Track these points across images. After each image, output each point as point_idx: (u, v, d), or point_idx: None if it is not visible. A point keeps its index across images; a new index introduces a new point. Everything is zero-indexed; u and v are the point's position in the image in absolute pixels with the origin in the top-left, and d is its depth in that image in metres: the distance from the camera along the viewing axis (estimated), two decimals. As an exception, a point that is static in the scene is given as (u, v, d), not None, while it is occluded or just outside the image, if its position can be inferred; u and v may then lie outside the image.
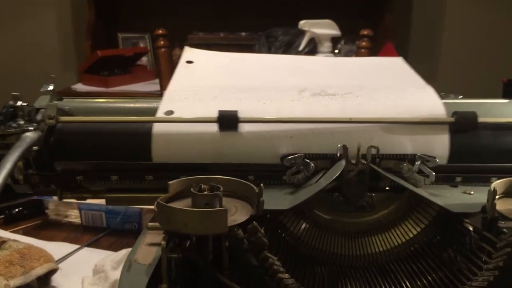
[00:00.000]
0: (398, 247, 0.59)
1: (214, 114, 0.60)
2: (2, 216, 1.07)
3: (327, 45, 1.80)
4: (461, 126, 0.60)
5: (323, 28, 1.79)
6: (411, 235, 0.59)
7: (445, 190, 0.59)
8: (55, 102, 0.62)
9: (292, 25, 1.97)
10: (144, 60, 2.49)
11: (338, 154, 0.59)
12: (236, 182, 0.53)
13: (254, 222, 0.50)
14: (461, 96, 0.68)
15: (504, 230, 0.50)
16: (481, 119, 0.60)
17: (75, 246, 0.96)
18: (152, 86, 2.22)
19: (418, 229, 0.59)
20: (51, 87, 0.62)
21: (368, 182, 0.59)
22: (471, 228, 0.54)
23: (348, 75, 0.73)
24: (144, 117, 0.62)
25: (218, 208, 0.49)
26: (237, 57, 0.79)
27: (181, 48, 0.81)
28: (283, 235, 0.59)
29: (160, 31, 1.72)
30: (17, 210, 1.08)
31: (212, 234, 0.49)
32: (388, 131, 0.60)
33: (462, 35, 2.44)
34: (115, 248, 0.95)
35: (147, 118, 0.61)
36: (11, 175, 0.54)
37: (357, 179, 0.58)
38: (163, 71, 1.75)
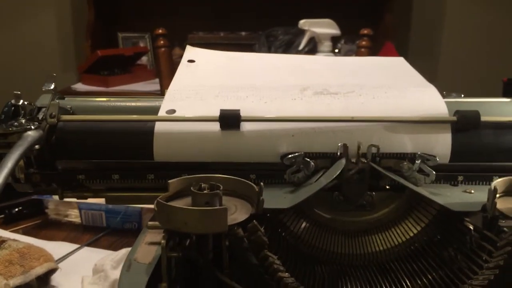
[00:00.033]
0: (399, 246, 0.59)
1: (216, 113, 0.60)
2: (2, 215, 1.07)
3: (327, 45, 1.81)
4: (463, 125, 0.60)
5: (323, 28, 1.79)
6: (412, 234, 0.59)
7: (446, 189, 0.59)
8: (56, 101, 0.62)
9: (292, 25, 1.97)
10: (144, 59, 2.49)
11: (339, 153, 0.59)
12: (236, 181, 0.53)
13: (254, 221, 0.50)
14: (463, 95, 0.68)
15: (505, 229, 0.50)
16: (483, 118, 0.60)
17: (75, 246, 0.96)
18: (152, 85, 2.22)
19: (419, 228, 0.59)
20: (52, 86, 0.62)
21: (368, 181, 0.59)
22: (471, 227, 0.54)
23: (349, 74, 0.73)
24: (146, 116, 0.62)
25: (218, 207, 0.49)
26: (239, 57, 0.79)
27: (181, 48, 0.81)
28: (283, 234, 0.59)
29: (160, 31, 1.72)
30: (17, 209, 1.08)
31: (212, 233, 0.49)
32: (390, 130, 0.60)
33: (462, 35, 2.45)
34: (115, 247, 0.95)
35: (149, 117, 0.61)
36: (12, 174, 0.54)
37: (357, 178, 0.59)
38: (163, 71, 1.75)
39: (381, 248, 0.60)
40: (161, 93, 1.51)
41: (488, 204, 0.51)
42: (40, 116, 0.62)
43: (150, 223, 0.52)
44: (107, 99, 0.67)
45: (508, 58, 2.36)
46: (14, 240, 0.85)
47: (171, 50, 1.79)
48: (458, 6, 2.44)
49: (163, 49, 1.73)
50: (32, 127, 0.60)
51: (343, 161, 0.58)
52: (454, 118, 0.60)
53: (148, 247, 0.53)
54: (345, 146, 0.58)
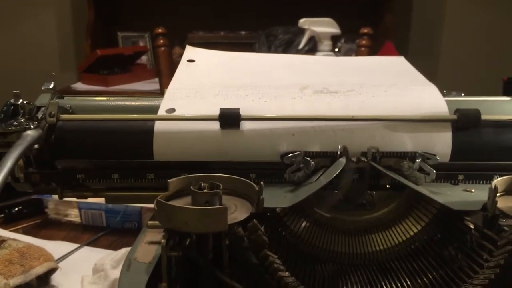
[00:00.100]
0: (399, 245, 0.59)
1: (216, 112, 0.59)
2: (2, 215, 1.07)
3: (327, 44, 1.81)
4: (464, 123, 0.60)
5: (323, 27, 1.79)
6: (412, 233, 0.59)
7: (446, 188, 0.59)
8: (56, 100, 0.62)
9: (292, 24, 1.97)
10: (143, 59, 2.49)
11: (339, 152, 0.59)
12: (236, 180, 0.53)
13: (254, 220, 0.50)
14: (463, 94, 0.67)
15: (505, 228, 0.50)
16: (483, 117, 0.60)
17: (75, 245, 0.96)
18: (152, 85, 2.22)
19: (419, 227, 0.59)
20: (52, 85, 0.62)
21: (368, 180, 0.59)
22: (472, 226, 0.54)
23: (349, 73, 0.73)
24: (145, 115, 0.61)
25: (218, 206, 0.49)
26: (238, 56, 0.79)
27: (181, 47, 0.81)
28: (283, 233, 0.59)
29: (160, 30, 1.72)
30: (16, 209, 1.08)
31: (212, 232, 0.49)
32: (391, 128, 0.60)
33: (462, 35, 2.45)
34: (115, 247, 0.95)
35: (148, 116, 0.61)
36: (11, 173, 0.54)
37: (358, 177, 0.58)
38: (163, 70, 1.75)
39: (381, 247, 0.60)
40: (161, 92, 1.51)
41: (489, 203, 0.51)
42: (40, 115, 0.62)
43: (150, 222, 0.52)
44: (107, 98, 0.67)
45: (508, 58, 2.36)
46: (14, 239, 0.85)
47: (171, 49, 1.79)
48: (458, 6, 2.44)
49: (162, 48, 1.73)
50: (32, 126, 0.60)
51: (343, 160, 0.58)
52: (455, 117, 0.60)
53: (148, 247, 0.53)
54: (345, 148, 0.58)
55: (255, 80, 0.69)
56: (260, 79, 0.69)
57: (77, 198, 0.65)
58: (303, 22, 1.83)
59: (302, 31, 1.89)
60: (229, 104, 0.61)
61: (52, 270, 0.82)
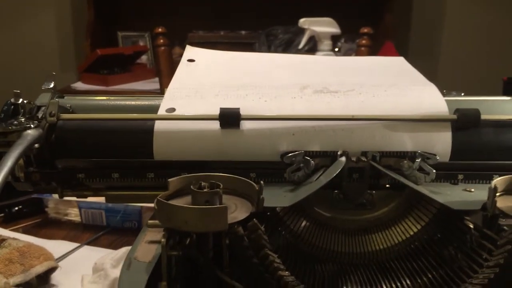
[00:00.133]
0: (399, 244, 0.59)
1: (216, 112, 0.59)
2: (2, 214, 1.07)
3: (327, 43, 1.81)
4: (464, 123, 0.60)
5: (323, 26, 1.79)
6: (412, 233, 0.59)
7: (446, 187, 0.59)
8: (56, 99, 0.62)
9: (292, 24, 1.97)
10: (143, 58, 2.49)
11: (339, 152, 0.59)
12: (236, 179, 0.53)
13: (254, 219, 0.50)
14: (463, 94, 0.68)
15: (505, 227, 0.50)
16: (483, 116, 0.60)
17: (75, 245, 0.96)
18: (152, 84, 2.22)
19: (419, 227, 0.59)
20: (52, 85, 0.62)
21: (368, 180, 0.59)
22: (471, 226, 0.54)
23: (349, 73, 0.73)
24: (145, 115, 0.61)
25: (218, 206, 0.49)
26: (238, 56, 0.79)
27: (181, 47, 0.81)
28: (283, 232, 0.59)
29: (160, 30, 1.72)
30: (17, 208, 1.08)
31: (212, 231, 0.49)
32: (391, 128, 0.60)
33: (461, 35, 2.45)
34: (115, 246, 0.95)
35: (148, 116, 0.61)
36: (11, 173, 0.54)
37: (358, 176, 0.59)
38: (163, 70, 1.75)
39: (381, 246, 0.60)
40: (161, 92, 1.51)
41: (488, 202, 0.51)
42: (40, 115, 0.62)
43: (150, 221, 0.52)
44: (107, 97, 0.67)
45: (508, 58, 2.36)
46: (14, 238, 0.85)
47: (171, 49, 1.79)
48: (458, 6, 2.44)
49: (163, 48, 1.73)
50: (32, 126, 0.60)
51: (343, 159, 0.58)
52: (454, 117, 0.60)
53: (148, 246, 0.53)
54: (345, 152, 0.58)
55: (255, 80, 0.69)
56: (260, 79, 0.69)
57: (77, 198, 0.65)
58: (303, 21, 1.83)
59: (302, 31, 1.89)
60: (229, 104, 0.61)
61: (52, 269, 0.82)
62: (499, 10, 2.41)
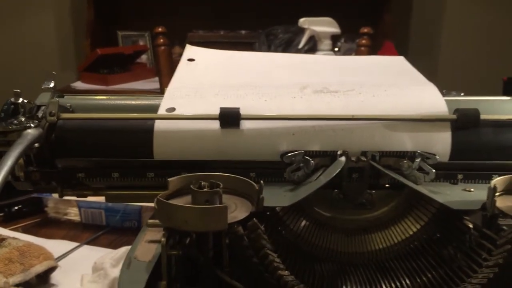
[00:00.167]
0: (398, 244, 0.59)
1: (216, 111, 0.59)
2: (2, 214, 1.07)
3: (327, 43, 1.81)
4: (463, 123, 0.60)
5: (323, 26, 1.79)
6: (411, 233, 0.59)
7: (445, 187, 0.59)
8: (56, 99, 0.62)
9: (292, 24, 1.97)
10: (143, 58, 2.49)
11: (339, 152, 0.59)
12: (236, 179, 0.53)
13: (254, 219, 0.50)
14: (463, 94, 0.68)
15: (504, 227, 0.50)
16: (482, 116, 0.60)
17: (75, 244, 0.96)
18: (152, 84, 2.22)
19: (418, 227, 0.59)
20: (52, 84, 0.62)
21: (368, 179, 0.59)
22: (471, 225, 0.54)
23: (349, 73, 0.73)
24: (145, 114, 0.61)
25: (218, 205, 0.49)
26: (238, 55, 0.79)
27: (181, 46, 0.81)
28: (283, 232, 0.59)
29: (160, 29, 1.71)
30: (16, 208, 1.07)
31: (212, 231, 0.49)
32: (391, 128, 0.60)
33: (461, 34, 2.45)
34: (114, 246, 0.95)
35: (148, 115, 0.61)
36: (11, 172, 0.54)
37: (357, 176, 0.59)
38: (163, 69, 1.75)
39: (381, 246, 0.60)
40: (161, 92, 1.51)
41: (488, 202, 0.51)
42: (40, 114, 0.62)
43: (150, 221, 0.52)
44: (107, 97, 0.67)
45: (508, 58, 2.36)
46: (14, 238, 0.85)
47: (171, 48, 1.79)
48: (457, 6, 2.44)
49: (162, 47, 1.73)
50: (32, 125, 0.60)
51: (343, 159, 0.58)
52: (454, 116, 0.60)
53: (148, 245, 0.53)
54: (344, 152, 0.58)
55: (255, 80, 0.69)
56: (260, 79, 0.69)
57: (77, 197, 0.65)
58: (303, 21, 1.83)
59: (302, 31, 1.89)
60: (229, 103, 0.61)
61: (52, 269, 0.82)
62: (499, 10, 2.41)
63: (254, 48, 2.05)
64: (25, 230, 1.02)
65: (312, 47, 1.89)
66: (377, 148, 0.59)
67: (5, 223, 1.05)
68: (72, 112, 0.64)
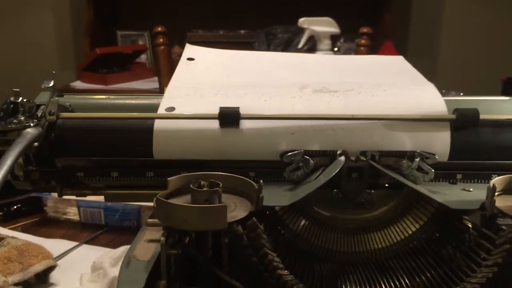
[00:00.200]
0: (397, 244, 0.59)
1: (215, 111, 0.60)
2: (1, 213, 1.07)
3: (326, 43, 1.81)
4: (462, 123, 0.60)
5: (322, 26, 1.80)
6: (410, 232, 0.59)
7: (444, 187, 0.59)
8: (55, 98, 0.62)
9: (291, 24, 1.97)
10: (143, 57, 2.49)
11: (338, 151, 0.59)
12: (235, 178, 0.53)
13: (253, 218, 0.50)
14: (462, 94, 0.68)
15: (503, 227, 0.50)
16: (482, 116, 0.60)
17: (74, 243, 0.96)
18: (151, 83, 2.22)
19: (417, 226, 0.59)
20: (51, 83, 0.62)
21: (367, 179, 0.59)
22: (470, 225, 0.54)
23: (349, 73, 0.73)
24: (145, 114, 0.61)
25: (218, 204, 0.49)
26: (238, 55, 0.79)
27: (180, 46, 0.81)
28: (283, 231, 0.59)
29: (159, 29, 1.71)
30: (15, 207, 1.08)
31: (211, 230, 0.49)
32: (390, 128, 0.60)
33: (461, 34, 2.45)
34: (113, 245, 0.95)
35: (148, 115, 0.61)
36: (11, 171, 0.54)
37: (357, 176, 0.59)
38: (162, 69, 1.75)
39: (380, 246, 0.60)
40: (160, 91, 1.50)
41: (487, 202, 0.51)
42: (39, 113, 0.62)
43: (149, 220, 0.52)
44: (106, 96, 0.67)
45: (507, 58, 2.36)
46: (13, 237, 0.85)
47: (170, 48, 1.79)
48: (457, 6, 2.44)
49: (162, 47, 1.73)
50: (31, 124, 0.60)
51: (342, 159, 0.58)
52: (453, 116, 0.60)
53: (148, 245, 0.53)
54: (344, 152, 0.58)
55: (254, 79, 0.69)
56: (260, 78, 0.69)
57: (77, 196, 0.65)
58: (302, 21, 1.84)
59: (301, 30, 1.89)
60: (229, 103, 0.61)
61: (51, 268, 0.82)
62: (498, 10, 2.41)
63: (254, 47, 2.05)
64: (24, 229, 1.03)
65: (311, 47, 1.89)
66: (376, 148, 0.59)
67: (4, 222, 1.05)
68: (72, 111, 0.64)
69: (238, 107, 0.60)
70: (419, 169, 0.58)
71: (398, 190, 0.61)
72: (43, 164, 0.61)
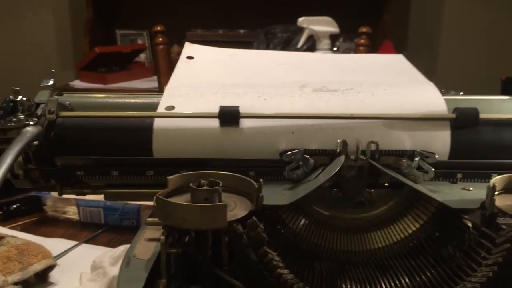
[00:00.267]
0: (397, 243, 0.59)
1: (215, 110, 0.60)
2: (0, 212, 1.07)
3: (325, 43, 1.81)
4: (462, 122, 0.60)
5: (321, 25, 1.80)
6: (410, 231, 0.59)
7: (444, 186, 0.59)
8: (55, 97, 0.62)
9: (291, 24, 1.97)
10: (142, 57, 2.49)
11: (338, 150, 0.59)
12: (235, 177, 0.53)
13: (253, 217, 0.50)
14: (462, 93, 0.68)
15: (503, 226, 0.50)
16: (482, 116, 0.60)
17: (73, 243, 0.96)
18: (150, 83, 2.22)
19: (417, 225, 0.59)
20: (51, 82, 0.62)
21: (367, 178, 0.59)
22: (470, 224, 0.54)
23: (349, 72, 0.73)
24: (145, 112, 0.61)
25: (217, 203, 0.49)
26: (238, 53, 0.79)
27: (180, 45, 0.81)
28: (282, 230, 0.59)
29: (159, 28, 1.71)
30: (15, 206, 1.07)
31: (211, 229, 0.49)
32: (390, 127, 0.60)
33: (460, 34, 2.45)
34: (113, 244, 0.94)
35: (148, 113, 0.61)
36: (10, 170, 0.54)
37: (356, 175, 0.59)
38: (161, 68, 1.75)
39: (380, 245, 0.60)
40: (159, 91, 1.50)
41: (487, 201, 0.51)
42: (39, 112, 0.62)
43: (149, 219, 0.52)
44: (106, 95, 0.67)
45: (506, 57, 2.36)
46: (13, 236, 0.85)
47: (170, 47, 1.79)
48: (456, 6, 2.45)
49: (161, 46, 1.73)
50: (31, 122, 0.60)
51: (342, 158, 0.58)
52: (453, 115, 0.60)
53: (147, 244, 0.53)
54: (344, 143, 0.58)
55: (254, 78, 0.69)
56: (260, 77, 0.69)
57: (77, 195, 0.65)
58: (302, 20, 1.84)
59: (301, 30, 1.89)
60: (229, 102, 0.61)
61: (51, 267, 0.82)
62: (498, 10, 2.41)
63: (253, 47, 2.05)
64: (24, 229, 1.02)
65: (310, 47, 1.89)
66: (377, 143, 0.59)
67: (3, 221, 1.05)
68: (71, 110, 0.64)
69: (238, 106, 0.60)
70: (419, 168, 0.58)
71: (398, 189, 0.61)
72: (43, 163, 0.61)
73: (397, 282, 0.57)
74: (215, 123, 0.60)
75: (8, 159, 0.52)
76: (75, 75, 2.37)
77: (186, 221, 0.47)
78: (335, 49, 1.98)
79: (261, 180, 0.50)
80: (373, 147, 0.58)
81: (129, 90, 2.11)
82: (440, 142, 0.60)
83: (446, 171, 0.60)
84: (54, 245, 0.90)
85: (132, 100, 0.66)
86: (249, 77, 0.69)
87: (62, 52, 2.65)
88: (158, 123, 0.60)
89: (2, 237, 0.83)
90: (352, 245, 0.60)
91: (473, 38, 2.43)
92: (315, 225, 0.60)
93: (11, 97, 0.62)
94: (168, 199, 0.49)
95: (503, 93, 0.71)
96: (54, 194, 1.03)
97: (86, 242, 0.97)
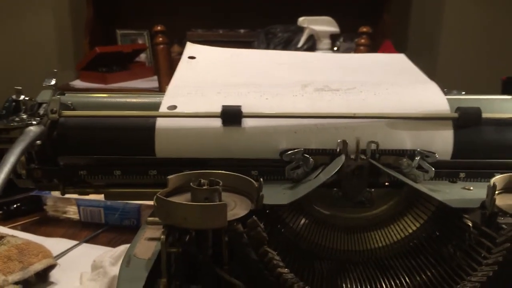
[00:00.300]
0: (397, 242, 0.60)
1: (217, 109, 0.60)
2: (1, 211, 1.07)
3: (326, 42, 1.81)
4: (465, 121, 0.60)
5: (322, 25, 1.80)
6: (410, 231, 0.59)
7: (445, 185, 0.59)
8: (57, 96, 0.62)
9: (291, 23, 1.97)
10: (142, 56, 2.49)
11: (338, 150, 0.59)
12: (235, 177, 0.53)
13: (253, 216, 0.50)
14: (464, 92, 0.68)
15: (503, 225, 0.50)
16: (484, 115, 0.60)
17: (74, 242, 0.96)
18: (151, 82, 2.22)
19: (417, 225, 0.59)
20: (53, 82, 0.62)
21: (367, 178, 0.59)
22: (470, 224, 0.54)
23: (350, 71, 0.73)
24: (147, 112, 0.61)
25: (218, 203, 0.49)
26: (240, 53, 0.79)
27: (180, 45, 0.81)
28: (283, 230, 0.59)
29: (159, 28, 1.71)
30: (15, 206, 1.08)
31: (211, 228, 0.49)
32: (392, 126, 0.60)
33: (460, 34, 2.45)
34: (113, 244, 0.95)
35: (150, 113, 0.61)
36: (13, 169, 0.54)
37: (357, 174, 0.59)
38: (162, 68, 1.75)
39: (380, 244, 0.60)
40: (160, 90, 1.50)
41: (487, 200, 0.51)
42: (41, 111, 0.62)
43: (149, 218, 0.52)
44: (108, 95, 0.67)
45: (506, 57, 2.36)
46: (13, 236, 0.85)
47: (170, 47, 1.79)
48: (457, 5, 2.45)
49: (161, 46, 1.73)
50: (34, 122, 0.60)
51: (342, 157, 0.58)
52: (456, 115, 0.60)
53: (148, 243, 0.53)
54: (344, 143, 0.58)
55: (256, 78, 0.69)
56: (262, 77, 0.69)
57: (79, 195, 0.64)
58: (302, 20, 1.84)
59: (301, 30, 1.89)
60: (231, 102, 0.61)
61: (51, 267, 0.82)
62: (498, 10, 2.41)
63: (253, 47, 2.05)
64: (24, 228, 1.02)
65: (311, 46, 1.89)
66: (377, 143, 0.59)
67: (4, 221, 1.05)
68: (73, 110, 0.64)
69: (240, 106, 0.60)
70: (419, 167, 0.58)
71: (398, 188, 0.61)
72: (45, 162, 0.61)
73: (397, 282, 0.57)
74: (217, 122, 0.60)
75: (11, 159, 0.52)
76: (76, 75, 2.37)
77: (186, 220, 0.47)
78: (335, 49, 1.98)
79: (261, 179, 0.50)
80: (373, 146, 0.58)
81: (129, 90, 2.11)
82: (442, 141, 0.60)
83: (448, 171, 0.60)
84: (55, 244, 0.90)
85: (134, 100, 0.66)
86: (251, 77, 0.69)
87: (63, 52, 2.65)
88: (160, 122, 0.60)
89: (3, 236, 0.83)
90: (352, 244, 0.60)
91: (473, 38, 2.43)
92: (315, 225, 0.60)
93: (14, 96, 0.62)
94: (168, 199, 0.49)
95: (504, 93, 0.71)
96: (55, 193, 1.03)
97: (87, 241, 0.97)
